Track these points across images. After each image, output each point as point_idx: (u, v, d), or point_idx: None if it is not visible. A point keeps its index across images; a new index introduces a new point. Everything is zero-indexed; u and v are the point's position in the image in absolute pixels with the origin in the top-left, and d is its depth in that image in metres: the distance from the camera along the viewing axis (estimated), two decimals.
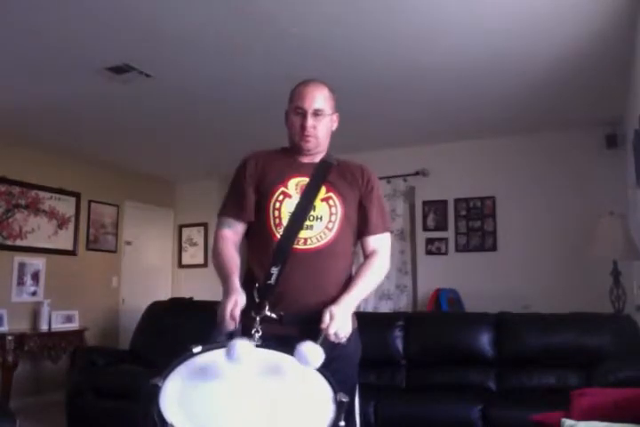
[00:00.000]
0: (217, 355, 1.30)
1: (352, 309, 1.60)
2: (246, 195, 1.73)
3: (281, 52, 3.52)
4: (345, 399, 1.20)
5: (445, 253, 5.53)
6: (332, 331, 1.48)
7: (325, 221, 1.67)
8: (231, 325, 1.46)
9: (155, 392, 1.15)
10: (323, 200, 1.69)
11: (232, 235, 1.74)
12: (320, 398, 1.22)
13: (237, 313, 1.47)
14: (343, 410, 1.19)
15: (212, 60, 3.64)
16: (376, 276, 1.72)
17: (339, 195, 1.71)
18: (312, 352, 1.27)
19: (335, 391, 1.23)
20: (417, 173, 5.67)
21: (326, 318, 1.50)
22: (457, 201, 5.53)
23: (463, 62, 3.68)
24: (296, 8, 3.00)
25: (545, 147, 5.21)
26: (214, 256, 1.72)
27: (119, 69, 3.73)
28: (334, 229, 1.67)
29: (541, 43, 3.40)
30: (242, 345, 1.25)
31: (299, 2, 2.95)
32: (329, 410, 1.18)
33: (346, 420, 1.63)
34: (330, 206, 1.69)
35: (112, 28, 3.20)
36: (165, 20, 3.12)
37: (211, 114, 4.69)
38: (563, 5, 2.96)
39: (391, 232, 1.86)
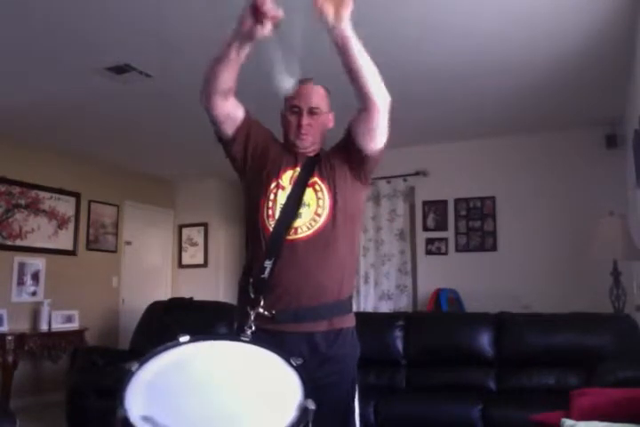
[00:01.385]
0: (200, 346, 1.30)
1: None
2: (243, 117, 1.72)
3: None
4: (312, 407, 1.17)
5: (445, 253, 5.53)
6: None
7: (314, 207, 1.63)
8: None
9: (127, 377, 1.14)
10: (308, 186, 1.66)
11: None
12: (287, 402, 1.20)
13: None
14: (308, 418, 1.16)
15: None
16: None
17: (323, 179, 1.67)
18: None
19: (305, 397, 1.20)
20: (417, 173, 5.67)
21: None
22: (457, 201, 5.53)
23: (463, 62, 3.68)
24: (298, 7, 3.00)
25: (545, 147, 5.21)
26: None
27: (119, 69, 3.73)
28: (324, 215, 1.62)
29: (541, 43, 3.40)
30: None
31: (301, 1, 2.95)
32: (289, 416, 1.16)
33: (346, 421, 1.62)
34: (315, 191, 1.65)
35: (112, 28, 3.20)
36: (165, 19, 3.12)
37: None
38: (563, 5, 2.97)
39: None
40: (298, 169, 1.68)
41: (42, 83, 3.99)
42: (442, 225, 5.59)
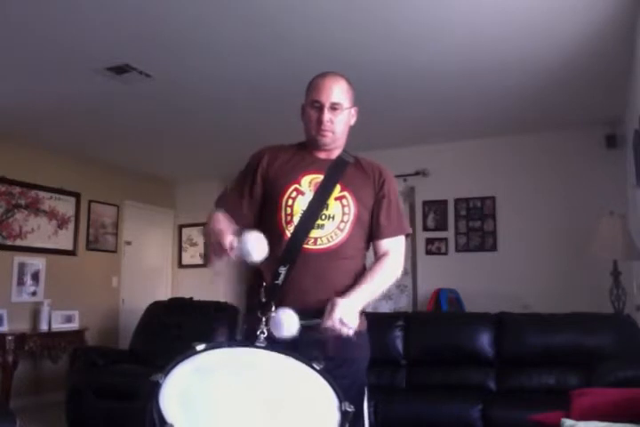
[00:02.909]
0: (220, 354, 1.29)
1: (359, 305, 1.51)
2: (247, 196, 1.69)
3: (281, 52, 3.52)
4: (350, 409, 1.16)
5: (445, 253, 5.53)
6: (336, 316, 1.41)
7: (337, 221, 1.61)
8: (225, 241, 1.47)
9: (155, 389, 1.13)
10: (336, 199, 1.63)
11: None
12: (324, 406, 1.18)
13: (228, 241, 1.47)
14: (348, 420, 1.15)
15: (212, 60, 3.64)
16: (386, 276, 1.63)
17: (353, 194, 1.64)
18: (288, 318, 1.24)
19: (340, 400, 1.19)
20: (417, 173, 5.67)
21: (328, 306, 1.44)
22: (457, 201, 5.53)
23: (463, 62, 3.68)
24: (298, 7, 3.00)
25: (545, 147, 5.21)
26: (205, 226, 1.70)
27: (119, 69, 3.73)
28: (346, 230, 1.61)
29: (541, 43, 3.40)
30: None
31: (300, 1, 2.94)
32: (334, 419, 1.15)
33: (354, 425, 1.61)
34: (343, 206, 1.63)
35: (112, 28, 3.20)
36: (165, 20, 3.12)
37: (211, 114, 4.69)
38: (562, 6, 2.97)
39: (407, 236, 1.75)
40: (319, 175, 1.65)
41: (42, 83, 3.99)
42: (442, 225, 5.59)
